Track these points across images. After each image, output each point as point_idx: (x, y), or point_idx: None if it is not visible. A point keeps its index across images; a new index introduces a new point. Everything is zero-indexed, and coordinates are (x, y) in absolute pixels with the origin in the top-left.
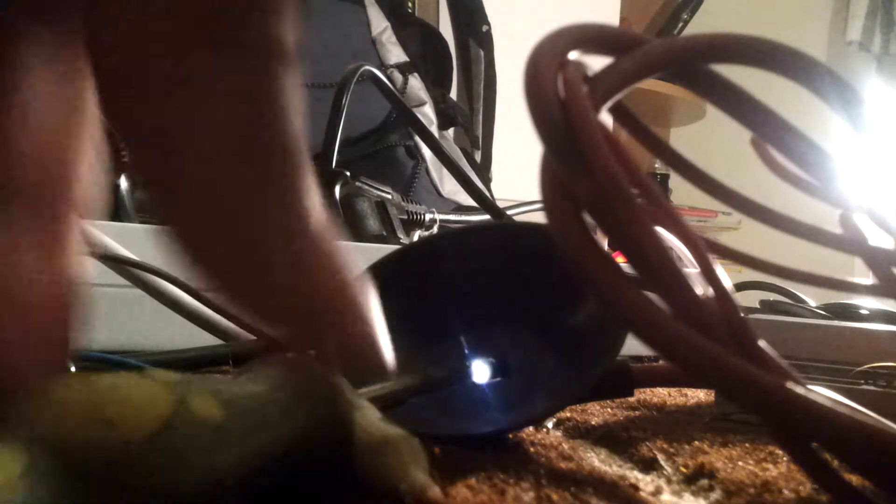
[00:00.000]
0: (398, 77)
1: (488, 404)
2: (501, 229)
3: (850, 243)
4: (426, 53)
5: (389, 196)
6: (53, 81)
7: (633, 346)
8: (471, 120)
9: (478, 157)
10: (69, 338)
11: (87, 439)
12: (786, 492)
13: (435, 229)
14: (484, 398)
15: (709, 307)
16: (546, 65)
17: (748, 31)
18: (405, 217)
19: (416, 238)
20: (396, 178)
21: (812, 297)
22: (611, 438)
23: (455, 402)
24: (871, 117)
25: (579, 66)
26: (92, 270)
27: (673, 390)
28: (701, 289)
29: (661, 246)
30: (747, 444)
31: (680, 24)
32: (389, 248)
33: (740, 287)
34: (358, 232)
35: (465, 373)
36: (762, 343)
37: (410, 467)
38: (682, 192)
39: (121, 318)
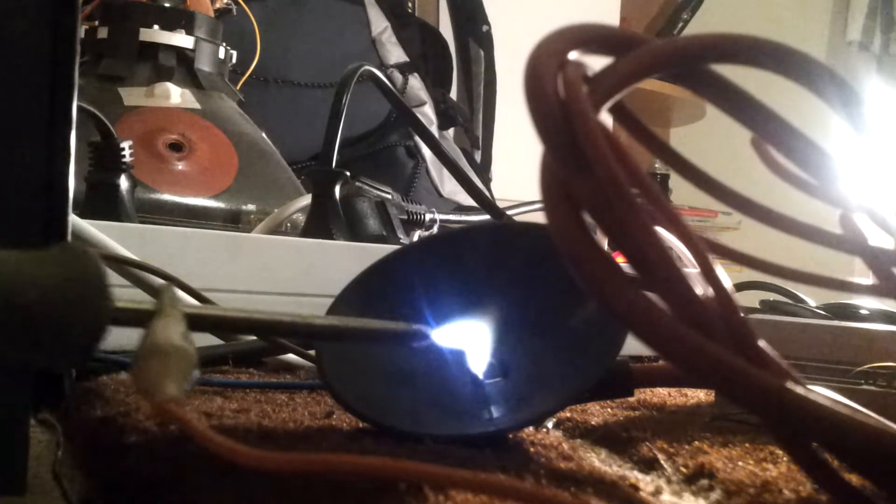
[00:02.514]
0: (398, 77)
1: (488, 404)
2: (501, 229)
3: (850, 243)
4: (426, 53)
5: (389, 196)
6: None
7: (633, 346)
8: (471, 120)
9: (478, 157)
10: None
11: None
12: (786, 492)
13: (435, 229)
14: (484, 398)
15: (709, 307)
16: (546, 65)
17: (748, 31)
18: (405, 217)
19: (416, 238)
20: (396, 178)
21: (812, 297)
22: (611, 438)
23: (455, 402)
24: (871, 117)
25: (579, 66)
26: None
27: (673, 390)
28: (701, 289)
29: (661, 246)
30: (747, 444)
31: (680, 24)
32: (389, 248)
33: (740, 287)
34: (358, 232)
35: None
36: (762, 343)
37: (168, 379)
38: (682, 192)
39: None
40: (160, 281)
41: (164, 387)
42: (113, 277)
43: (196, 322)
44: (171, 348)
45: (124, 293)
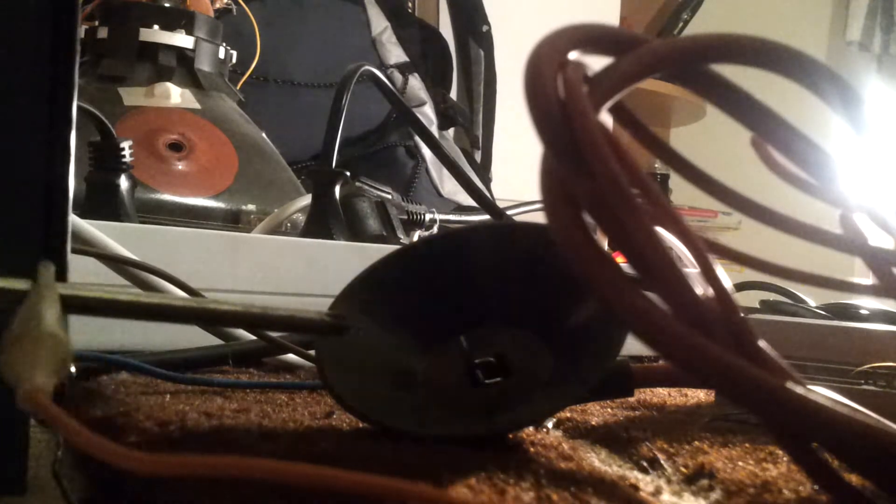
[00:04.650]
0: (398, 77)
1: (488, 404)
2: (501, 229)
3: (850, 243)
4: (426, 53)
5: (389, 196)
6: None
7: (633, 346)
8: (471, 120)
9: (478, 157)
10: None
11: None
12: (786, 492)
13: (435, 229)
14: (484, 398)
15: (709, 307)
16: (546, 65)
17: (748, 31)
18: (405, 217)
19: (416, 238)
20: (396, 178)
21: (812, 297)
22: (611, 438)
23: (455, 402)
24: (871, 117)
25: (579, 66)
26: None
27: (673, 390)
28: (701, 289)
29: (661, 246)
30: (747, 444)
31: (680, 24)
32: (389, 248)
33: (740, 287)
34: (358, 232)
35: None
36: (762, 343)
37: (37, 367)
38: (682, 192)
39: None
40: (160, 281)
41: (33, 375)
42: (113, 277)
43: (74, 304)
44: (43, 334)
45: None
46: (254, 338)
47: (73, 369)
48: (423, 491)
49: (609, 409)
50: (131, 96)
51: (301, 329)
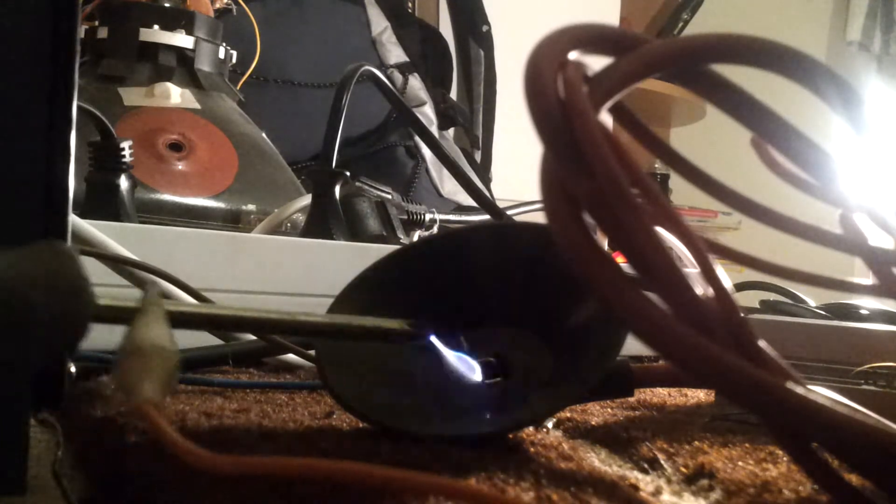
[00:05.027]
0: (398, 77)
1: (488, 404)
2: (501, 229)
3: (850, 243)
4: (426, 53)
5: (389, 196)
6: None
7: (633, 346)
8: (471, 120)
9: (478, 157)
10: None
11: None
12: (786, 492)
13: (435, 229)
14: (484, 398)
15: (709, 307)
16: (546, 65)
17: (748, 31)
18: (405, 217)
19: (416, 238)
20: (396, 178)
21: (812, 297)
22: (611, 438)
23: (455, 402)
24: (871, 117)
25: (579, 66)
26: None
27: (673, 390)
28: (701, 289)
29: (661, 246)
30: (747, 444)
31: (680, 24)
32: (389, 248)
33: (740, 287)
34: (358, 232)
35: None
36: (762, 343)
37: (147, 379)
38: (682, 192)
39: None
40: (160, 281)
41: (142, 388)
42: (113, 277)
43: (181, 320)
44: (152, 349)
45: (124, 293)
46: (254, 338)
47: (72, 369)
48: (442, 484)
49: (609, 409)
50: (131, 96)
51: (385, 338)
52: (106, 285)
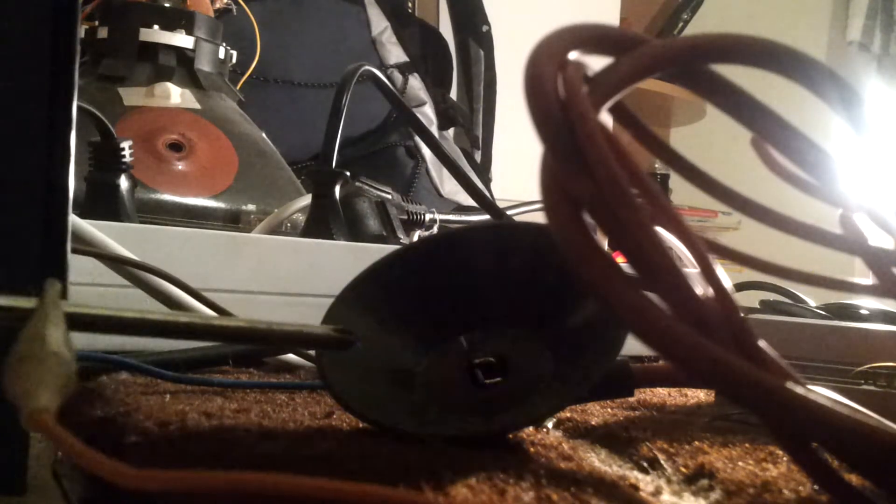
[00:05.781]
0: (398, 77)
1: (488, 404)
2: (501, 229)
3: (850, 243)
4: (426, 53)
5: (389, 196)
6: None
7: (633, 346)
8: (471, 120)
9: (478, 157)
10: None
11: None
12: (786, 492)
13: (435, 229)
14: (484, 398)
15: (709, 307)
16: (546, 65)
17: (748, 31)
18: (405, 217)
19: (416, 238)
20: (396, 178)
21: (812, 297)
22: (611, 438)
23: (455, 402)
24: (871, 117)
25: (579, 66)
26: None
27: (673, 390)
28: (701, 289)
29: (661, 246)
30: (747, 444)
31: (680, 24)
32: (389, 248)
33: (740, 287)
34: (358, 232)
35: None
36: (762, 343)
37: (41, 387)
38: (682, 192)
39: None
40: (160, 281)
41: (37, 395)
42: (113, 277)
43: (80, 322)
44: (47, 354)
45: (125, 293)
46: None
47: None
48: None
49: (609, 409)
50: (131, 96)
51: (308, 345)
52: (106, 285)
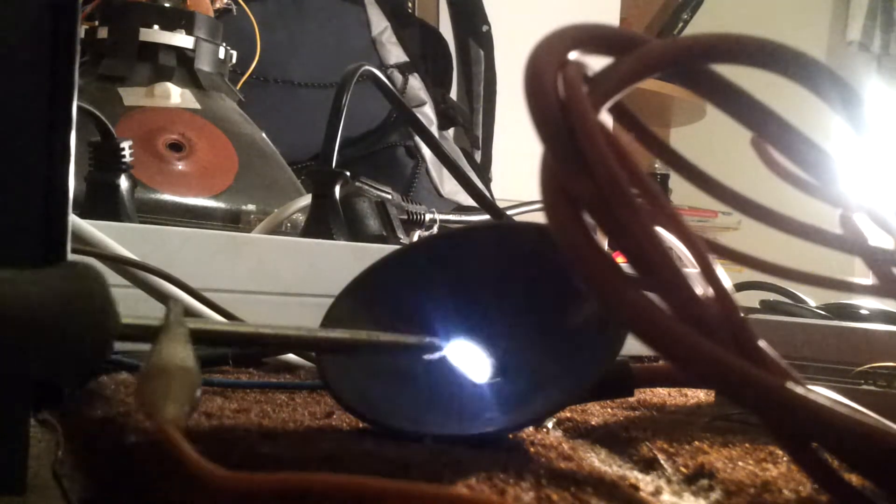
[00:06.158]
0: (398, 77)
1: (488, 404)
2: (501, 229)
3: (850, 243)
4: (426, 53)
5: (389, 196)
6: None
7: (633, 346)
8: (471, 120)
9: (478, 157)
10: None
11: None
12: (786, 492)
13: (435, 229)
14: (484, 398)
15: (709, 307)
16: (546, 65)
17: (748, 31)
18: (405, 217)
19: (416, 238)
20: (396, 178)
21: (812, 297)
22: (611, 438)
23: (455, 402)
24: (871, 117)
25: (579, 66)
26: None
27: (673, 390)
28: (701, 289)
29: (661, 246)
30: (747, 444)
31: (680, 24)
32: (389, 248)
33: (740, 287)
34: (358, 232)
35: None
36: (762, 343)
37: (170, 399)
38: (682, 192)
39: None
40: (160, 281)
41: (164, 408)
42: (113, 277)
43: (203, 338)
44: (174, 369)
45: (125, 293)
46: None
47: None
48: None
49: (609, 409)
50: (131, 96)
51: (405, 350)
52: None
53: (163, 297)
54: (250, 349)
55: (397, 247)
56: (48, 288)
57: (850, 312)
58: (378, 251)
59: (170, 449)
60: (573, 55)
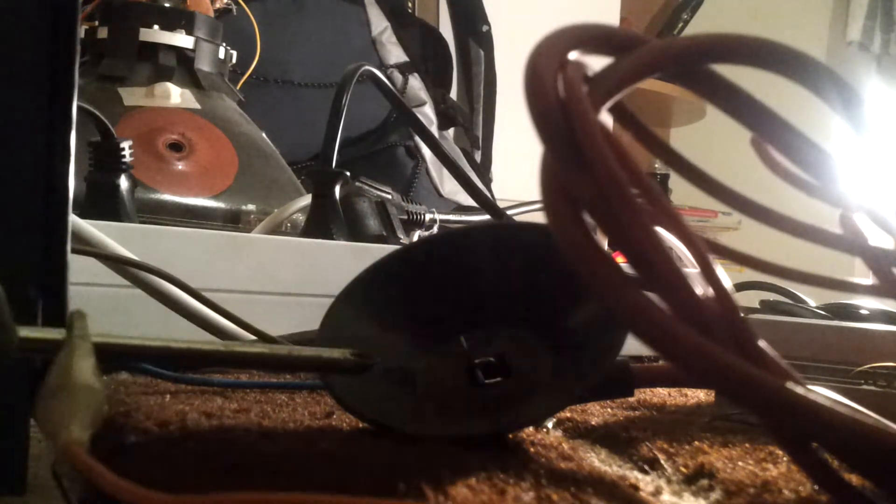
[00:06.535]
0: (398, 77)
1: (488, 404)
2: (501, 229)
3: (850, 243)
4: (426, 53)
5: (389, 196)
6: None
7: (633, 346)
8: (471, 120)
9: (478, 157)
10: None
11: None
12: (786, 492)
13: (435, 229)
14: (484, 398)
15: (709, 307)
16: (546, 65)
17: (748, 31)
18: (405, 217)
19: (416, 238)
20: (396, 178)
21: (812, 297)
22: (611, 438)
23: (455, 402)
24: (871, 117)
25: (579, 66)
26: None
27: (673, 390)
28: (701, 289)
29: (661, 246)
30: (747, 444)
31: (680, 24)
32: (389, 248)
33: (740, 287)
34: (358, 232)
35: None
36: (762, 343)
37: (75, 419)
38: (682, 192)
39: (121, 318)
40: (160, 281)
41: (69, 428)
42: (113, 277)
43: (108, 352)
44: (77, 387)
45: (125, 293)
46: (254, 337)
47: None
48: None
49: (609, 409)
50: (131, 96)
51: (326, 370)
52: (106, 285)
53: (163, 297)
54: (159, 363)
55: (397, 247)
56: None
57: (850, 312)
58: (378, 251)
59: (82, 473)
60: (573, 55)
